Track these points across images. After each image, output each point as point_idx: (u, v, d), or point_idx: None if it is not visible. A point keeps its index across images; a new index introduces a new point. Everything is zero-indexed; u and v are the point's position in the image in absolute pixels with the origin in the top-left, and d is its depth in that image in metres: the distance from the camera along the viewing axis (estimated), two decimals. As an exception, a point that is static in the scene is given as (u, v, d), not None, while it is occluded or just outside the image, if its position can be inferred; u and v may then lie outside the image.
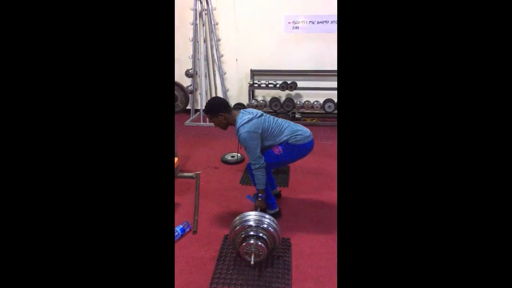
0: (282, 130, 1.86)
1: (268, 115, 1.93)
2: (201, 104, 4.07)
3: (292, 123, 1.94)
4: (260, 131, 1.79)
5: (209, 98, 4.23)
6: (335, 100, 3.92)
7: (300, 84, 3.88)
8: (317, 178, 2.60)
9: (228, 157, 2.96)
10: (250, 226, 1.57)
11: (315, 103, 3.94)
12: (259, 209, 1.89)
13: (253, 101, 4.00)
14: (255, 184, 1.89)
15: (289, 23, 3.84)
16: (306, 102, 3.95)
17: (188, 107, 4.22)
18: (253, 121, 1.79)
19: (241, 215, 1.64)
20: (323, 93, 3.93)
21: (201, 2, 3.74)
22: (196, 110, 4.27)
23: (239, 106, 4.15)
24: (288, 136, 1.85)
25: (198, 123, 3.99)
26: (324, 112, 3.96)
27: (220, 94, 4.22)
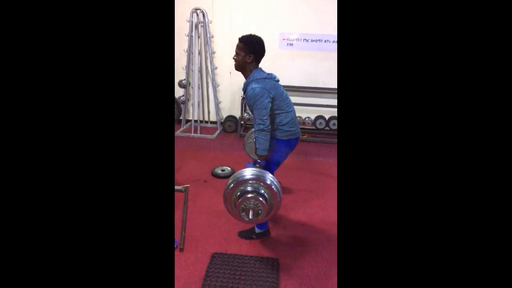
0: (289, 110, 1.76)
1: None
2: (193, 114, 4.05)
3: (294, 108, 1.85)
4: (273, 94, 1.66)
5: (201, 109, 4.22)
6: (326, 117, 3.97)
7: (292, 99, 3.87)
8: (308, 195, 2.60)
9: (219, 170, 2.93)
10: (247, 180, 1.38)
11: (307, 119, 3.98)
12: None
13: (245, 114, 4.01)
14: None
15: (283, 39, 3.90)
16: (298, 118, 3.98)
17: (180, 118, 4.18)
18: (270, 81, 1.66)
19: (235, 173, 1.47)
20: (314, 109, 3.98)
21: (197, 15, 3.77)
22: (188, 121, 4.24)
23: (231, 119, 4.15)
24: (289, 122, 1.75)
25: (189, 134, 3.96)
26: (315, 128, 4.00)
27: (212, 105, 4.22)
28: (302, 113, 4.08)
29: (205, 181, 2.77)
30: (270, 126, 1.66)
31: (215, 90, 4.05)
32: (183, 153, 3.38)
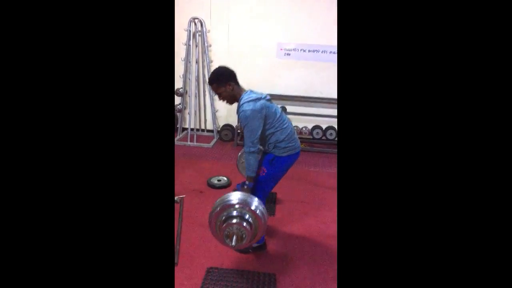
0: (284, 126, 1.74)
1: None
2: (189, 123, 4.02)
3: (292, 127, 1.83)
4: (264, 112, 1.65)
5: (197, 117, 4.19)
6: (323, 126, 3.97)
7: (289, 109, 3.92)
8: (305, 207, 2.57)
9: (215, 180, 2.89)
10: (233, 205, 1.39)
11: (304, 128, 3.97)
12: None
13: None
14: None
15: (281, 49, 3.92)
16: (295, 127, 3.98)
17: (177, 126, 4.15)
18: (260, 101, 1.65)
19: (222, 197, 1.48)
20: (311, 119, 3.98)
21: (195, 24, 3.77)
22: (184, 129, 4.21)
23: (228, 127, 4.13)
24: (287, 138, 1.74)
25: (185, 142, 3.92)
26: (312, 138, 3.99)
27: (209, 114, 4.20)
28: (299, 122, 4.07)
29: (200, 192, 2.73)
30: (259, 149, 1.68)
31: (212, 98, 4.03)
32: (179, 162, 3.34)
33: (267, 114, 1.68)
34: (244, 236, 1.34)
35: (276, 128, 1.72)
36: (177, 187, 2.78)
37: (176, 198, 2.54)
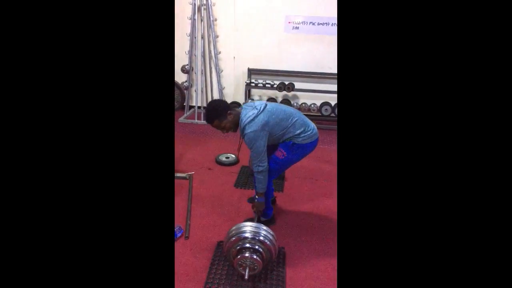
0: (293, 121, 1.70)
1: (273, 103, 1.76)
2: (196, 101, 3.99)
3: (299, 112, 1.79)
4: (267, 128, 1.63)
5: (204, 95, 4.15)
6: (332, 103, 3.89)
7: (297, 85, 3.83)
8: (313, 184, 2.57)
9: (223, 158, 2.90)
10: (246, 237, 1.52)
11: (312, 105, 3.90)
12: (257, 212, 1.83)
13: (249, 100, 3.94)
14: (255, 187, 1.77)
15: (289, 23, 3.77)
16: (303, 104, 3.91)
17: (183, 104, 4.13)
18: (259, 117, 1.61)
19: (238, 225, 1.59)
20: (320, 95, 3.89)
21: (200, -3, 3.64)
22: (191, 107, 4.18)
23: (235, 105, 4.08)
24: (301, 130, 1.70)
25: (192, 120, 3.91)
26: (320, 115, 3.93)
27: (216, 91, 4.14)
28: (307, 99, 4.00)
29: (209, 169, 2.75)
30: (267, 166, 1.70)
31: (219, 75, 3.96)
32: (186, 140, 3.35)
33: (271, 128, 1.66)
34: (255, 267, 1.49)
35: (287, 127, 1.70)
36: (185, 164, 2.80)
37: (185, 174, 2.57)
